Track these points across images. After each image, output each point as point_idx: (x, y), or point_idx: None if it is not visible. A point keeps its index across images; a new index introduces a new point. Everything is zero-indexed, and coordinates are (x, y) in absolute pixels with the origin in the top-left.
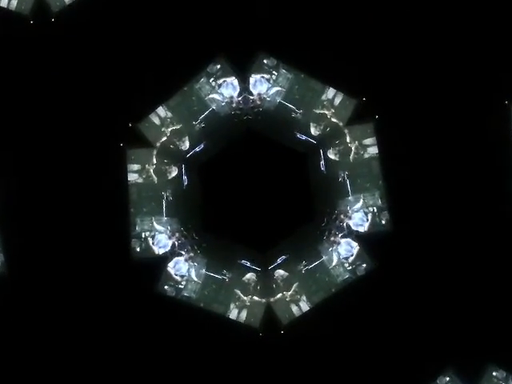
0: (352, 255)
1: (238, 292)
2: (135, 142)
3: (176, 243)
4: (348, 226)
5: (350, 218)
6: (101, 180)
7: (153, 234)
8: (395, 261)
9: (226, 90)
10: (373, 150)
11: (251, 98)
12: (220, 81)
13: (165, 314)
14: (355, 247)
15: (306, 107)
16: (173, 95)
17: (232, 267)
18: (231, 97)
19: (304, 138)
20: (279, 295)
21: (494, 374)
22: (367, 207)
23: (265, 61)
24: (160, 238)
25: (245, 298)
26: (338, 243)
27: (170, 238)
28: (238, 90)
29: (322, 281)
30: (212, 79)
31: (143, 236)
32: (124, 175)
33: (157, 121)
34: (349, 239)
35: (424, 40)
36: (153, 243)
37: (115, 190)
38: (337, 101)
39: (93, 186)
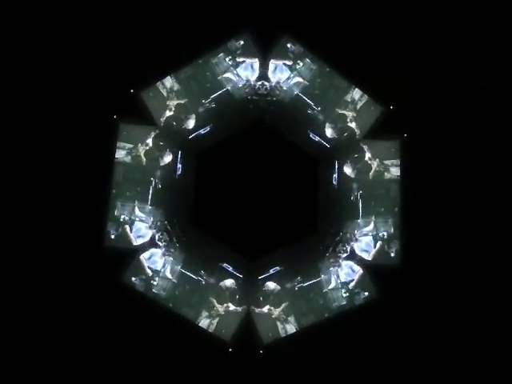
0: (352, 281)
1: (215, 298)
2: (133, 116)
3: (156, 235)
4: (352, 250)
5: (356, 241)
6: (87, 153)
7: (132, 220)
8: (399, 297)
9: (244, 71)
10: (395, 172)
11: (268, 84)
12: (240, 59)
13: (128, 308)
14: (357, 272)
15: (326, 105)
16: (185, 66)
17: (212, 270)
18: (248, 80)
19: (317, 139)
20: (265, 310)
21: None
22: (377, 233)
23: (289, 45)
24: (139, 226)
25: (219, 305)
26: (339, 265)
27: (150, 227)
28: (258, 73)
29: (316, 303)
30: (231, 57)
31: (121, 220)
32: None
33: (163, 91)
34: (351, 262)
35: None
36: (130, 231)
37: (102, 167)
38: (360, 104)
39: (77, 158)
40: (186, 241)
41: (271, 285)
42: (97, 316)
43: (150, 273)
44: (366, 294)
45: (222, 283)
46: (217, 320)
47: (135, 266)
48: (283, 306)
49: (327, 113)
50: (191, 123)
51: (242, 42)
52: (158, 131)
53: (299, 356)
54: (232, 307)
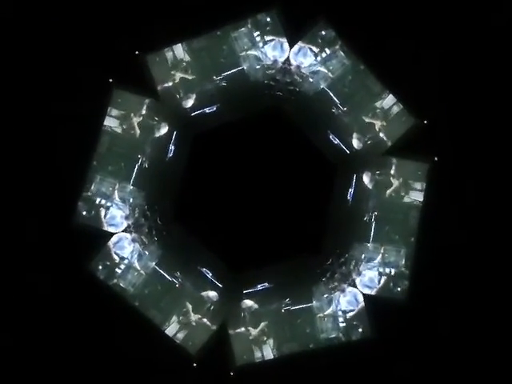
0: (352, 311)
1: (188, 305)
2: (131, 84)
3: (132, 224)
4: (353, 281)
5: (358, 274)
6: (75, 116)
7: (108, 205)
8: (398, 339)
9: (273, 50)
10: (417, 197)
11: (291, 69)
12: (268, 37)
13: (87, 298)
14: (361, 303)
15: (353, 107)
16: (200, 35)
17: (189, 273)
18: (275, 61)
19: (337, 141)
20: (243, 329)
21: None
22: (385, 264)
23: (322, 31)
24: (114, 213)
25: (193, 315)
26: (342, 290)
27: (126, 217)
28: (287, 55)
29: (301, 330)
30: (258, 33)
31: (96, 203)
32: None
33: (170, 59)
34: (357, 290)
35: None
36: (104, 216)
37: (89, 134)
38: (393, 112)
39: (63, 120)
40: (166, 236)
41: (248, 302)
42: (49, 301)
43: (116, 260)
44: (361, 330)
45: (204, 293)
46: (186, 330)
47: (103, 253)
48: (262, 325)
49: (353, 116)
50: (190, 102)
51: (270, 19)
52: (154, 103)
53: None
54: (205, 319)
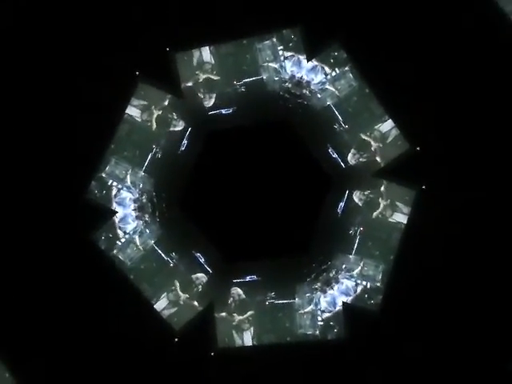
0: (330, 312)
1: (178, 284)
2: (156, 78)
3: (137, 206)
4: (332, 287)
5: (337, 282)
6: (102, 103)
7: (119, 187)
8: (370, 347)
9: (291, 66)
10: (401, 219)
11: (303, 84)
12: (289, 53)
13: (86, 266)
14: (338, 306)
15: (354, 126)
16: (228, 42)
17: (184, 256)
18: (292, 76)
19: (335, 156)
20: (227, 314)
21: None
22: (363, 276)
23: (335, 53)
24: (124, 195)
25: (181, 294)
26: (324, 292)
27: (134, 200)
28: (304, 72)
29: (281, 323)
30: (281, 47)
31: (109, 183)
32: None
33: (197, 60)
34: (335, 294)
35: None
36: (114, 196)
37: (111, 120)
38: (390, 136)
39: (92, 104)
40: (168, 219)
41: (238, 291)
42: (51, 261)
43: (119, 234)
44: (336, 330)
45: (194, 276)
46: (173, 307)
47: (107, 225)
48: (247, 315)
49: (353, 134)
50: (211, 101)
51: (294, 37)
52: (175, 100)
53: (247, 372)
54: (192, 300)
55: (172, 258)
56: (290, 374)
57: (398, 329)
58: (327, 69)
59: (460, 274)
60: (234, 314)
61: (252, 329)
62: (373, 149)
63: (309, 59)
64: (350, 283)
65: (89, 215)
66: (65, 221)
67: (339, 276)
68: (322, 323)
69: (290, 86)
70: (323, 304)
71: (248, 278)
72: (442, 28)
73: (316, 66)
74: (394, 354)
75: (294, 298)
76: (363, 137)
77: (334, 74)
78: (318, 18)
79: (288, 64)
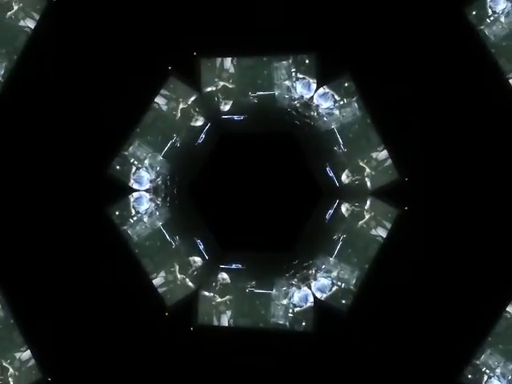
0: (301, 307)
1: (176, 265)
2: (184, 75)
3: (152, 187)
4: (309, 286)
5: (315, 279)
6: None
7: (139, 166)
8: (329, 343)
9: (302, 87)
10: (382, 233)
11: (312, 105)
12: (301, 75)
13: (102, 236)
14: (309, 303)
15: (352, 151)
16: (250, 56)
17: (186, 240)
18: (301, 96)
19: (331, 175)
20: (210, 294)
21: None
22: (339, 278)
23: (345, 83)
24: (142, 174)
25: (178, 274)
26: (299, 288)
27: (150, 181)
28: (312, 94)
29: (257, 310)
30: (295, 69)
31: (130, 161)
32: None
33: (218, 67)
34: (308, 292)
35: None
36: (133, 174)
37: (141, 107)
38: (383, 165)
39: (124, 92)
40: (177, 205)
41: (223, 275)
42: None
43: (132, 212)
44: (304, 324)
45: (192, 259)
46: (169, 284)
47: (122, 203)
48: (226, 298)
49: (350, 158)
50: (227, 107)
51: (307, 61)
52: (199, 98)
53: (221, 349)
54: (188, 281)
55: (175, 241)
56: (258, 355)
57: (363, 330)
58: (337, 97)
59: (425, 289)
60: (216, 296)
61: (230, 311)
62: (365, 174)
63: (318, 84)
64: (326, 282)
65: (110, 190)
66: (88, 192)
67: (318, 274)
68: (292, 315)
69: (297, 105)
70: (296, 299)
71: (233, 266)
72: (445, 77)
73: (327, 92)
74: (356, 352)
75: (272, 290)
76: (359, 161)
77: (341, 102)
78: (332, 48)
79: (299, 85)
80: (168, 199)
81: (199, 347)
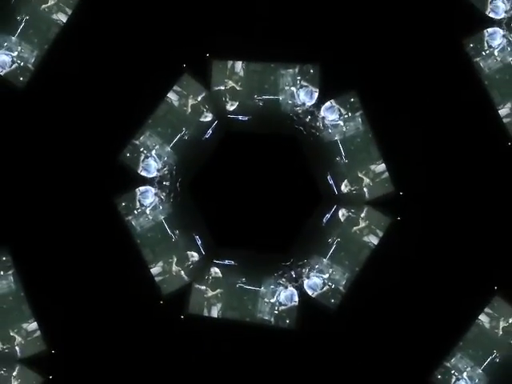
0: (285, 305)
1: (174, 257)
2: (199, 73)
3: (158, 175)
4: (301, 284)
5: (308, 277)
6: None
7: (148, 155)
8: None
9: (304, 95)
10: (374, 240)
11: (318, 116)
12: (304, 83)
13: (107, 223)
14: (294, 301)
15: (352, 162)
16: (259, 62)
17: (185, 235)
18: (303, 103)
19: (332, 183)
20: (203, 287)
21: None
22: (330, 278)
23: (351, 99)
24: (151, 163)
25: (175, 266)
26: (285, 287)
27: (158, 170)
28: (312, 103)
29: (245, 305)
30: (299, 77)
31: (140, 150)
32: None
33: (229, 69)
34: (295, 292)
35: None
36: (142, 161)
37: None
38: (380, 178)
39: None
40: (179, 201)
41: (216, 270)
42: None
43: (137, 205)
44: (288, 321)
45: (189, 253)
46: (165, 275)
47: (129, 194)
48: (217, 291)
49: (350, 169)
50: (233, 107)
51: (312, 71)
52: (209, 95)
53: (210, 339)
54: (183, 273)
55: (175, 235)
56: (243, 347)
57: (347, 329)
58: (342, 111)
59: (407, 295)
60: (208, 289)
61: (219, 304)
62: (363, 184)
63: (319, 93)
64: (318, 281)
65: (121, 176)
66: (101, 176)
67: (311, 273)
68: (277, 313)
69: (299, 111)
70: (282, 297)
71: (226, 262)
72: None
73: (334, 106)
74: (337, 349)
75: (260, 287)
76: (358, 173)
77: (346, 116)
78: (336, 61)
79: (302, 92)
80: (172, 195)
81: (188, 334)
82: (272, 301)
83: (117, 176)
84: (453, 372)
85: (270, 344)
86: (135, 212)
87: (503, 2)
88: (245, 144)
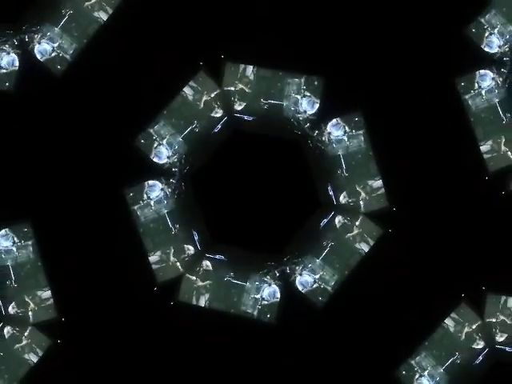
0: (268, 301)
1: (172, 249)
2: (213, 72)
3: (168, 164)
4: (293, 281)
5: (300, 275)
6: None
7: (160, 143)
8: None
9: (306, 104)
10: (365, 247)
11: (324, 131)
12: (308, 93)
13: (113, 209)
14: (276, 298)
15: (352, 176)
16: (269, 69)
17: (184, 229)
18: (304, 111)
19: (331, 193)
20: (193, 277)
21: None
22: (320, 278)
23: (356, 118)
24: (162, 150)
25: (172, 257)
26: (269, 285)
27: (168, 157)
28: (313, 112)
29: (231, 297)
30: (304, 87)
31: (153, 137)
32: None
33: (240, 72)
34: (277, 289)
35: None
36: (154, 148)
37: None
38: (377, 193)
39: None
40: (183, 198)
41: (207, 263)
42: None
43: (144, 196)
44: (269, 316)
45: (186, 245)
46: (162, 263)
47: (139, 185)
48: (206, 282)
49: (349, 182)
50: (240, 107)
51: (316, 83)
52: (221, 93)
53: (196, 326)
54: (178, 265)
55: (175, 228)
56: (226, 335)
57: (330, 327)
58: (347, 128)
59: (387, 299)
60: (198, 280)
61: (207, 294)
62: (360, 198)
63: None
64: (309, 279)
65: (134, 161)
66: (115, 160)
67: (304, 271)
68: (260, 307)
69: (300, 118)
70: (266, 294)
71: (217, 257)
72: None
73: (339, 123)
74: (319, 344)
75: (246, 283)
76: (356, 186)
77: (350, 133)
78: (339, 75)
79: (304, 101)
80: (176, 192)
81: (177, 319)
82: (256, 296)
83: (131, 161)
84: (416, 369)
85: (251, 335)
86: (141, 203)
87: (497, 38)
88: (251, 144)
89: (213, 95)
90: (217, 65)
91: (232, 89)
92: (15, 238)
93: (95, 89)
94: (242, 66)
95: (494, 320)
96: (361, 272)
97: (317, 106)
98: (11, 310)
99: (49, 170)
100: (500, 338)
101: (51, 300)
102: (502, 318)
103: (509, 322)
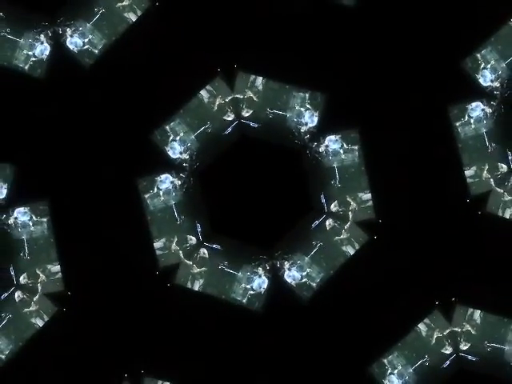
0: (255, 291)
1: (175, 237)
2: (229, 78)
3: (180, 159)
4: (282, 274)
5: (289, 270)
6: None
7: (175, 139)
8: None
9: (308, 117)
10: (350, 250)
11: (321, 144)
12: (309, 107)
13: (124, 197)
14: (263, 287)
15: (345, 187)
16: (277, 81)
17: (189, 221)
18: (305, 123)
19: (324, 202)
20: (190, 263)
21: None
22: (307, 275)
23: (352, 134)
24: (176, 146)
25: (174, 245)
26: (259, 276)
27: (180, 152)
28: (313, 125)
29: (223, 284)
30: (308, 101)
31: (168, 133)
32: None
33: (250, 82)
34: (266, 280)
35: None
36: (169, 143)
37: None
38: (365, 205)
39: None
40: (190, 192)
41: (204, 251)
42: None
43: (155, 189)
44: (256, 304)
45: (188, 236)
46: (166, 250)
47: (152, 177)
48: (202, 269)
49: (341, 193)
50: (247, 114)
51: (319, 99)
52: (234, 99)
53: (189, 308)
54: (180, 253)
55: (180, 219)
56: (216, 319)
57: (312, 321)
58: (344, 144)
59: (367, 299)
60: (194, 265)
61: (202, 280)
62: (350, 208)
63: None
64: (297, 274)
65: (149, 154)
66: (132, 152)
67: (292, 267)
68: (249, 296)
69: (301, 129)
70: (255, 284)
71: (214, 246)
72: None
73: (338, 139)
74: (300, 337)
75: (238, 272)
76: (347, 197)
77: (346, 148)
78: (343, 94)
79: (306, 114)
80: (185, 186)
81: (172, 301)
82: (247, 286)
83: (147, 153)
84: (388, 367)
85: (239, 321)
86: (152, 192)
87: (490, 73)
88: (255, 148)
89: (227, 100)
90: (231, 72)
91: (241, 96)
92: (32, 215)
93: (119, 84)
94: (252, 76)
95: (459, 330)
96: (345, 273)
97: (316, 119)
98: (22, 279)
99: (71, 156)
100: (464, 346)
101: (60, 274)
102: (467, 327)
103: (473, 332)
